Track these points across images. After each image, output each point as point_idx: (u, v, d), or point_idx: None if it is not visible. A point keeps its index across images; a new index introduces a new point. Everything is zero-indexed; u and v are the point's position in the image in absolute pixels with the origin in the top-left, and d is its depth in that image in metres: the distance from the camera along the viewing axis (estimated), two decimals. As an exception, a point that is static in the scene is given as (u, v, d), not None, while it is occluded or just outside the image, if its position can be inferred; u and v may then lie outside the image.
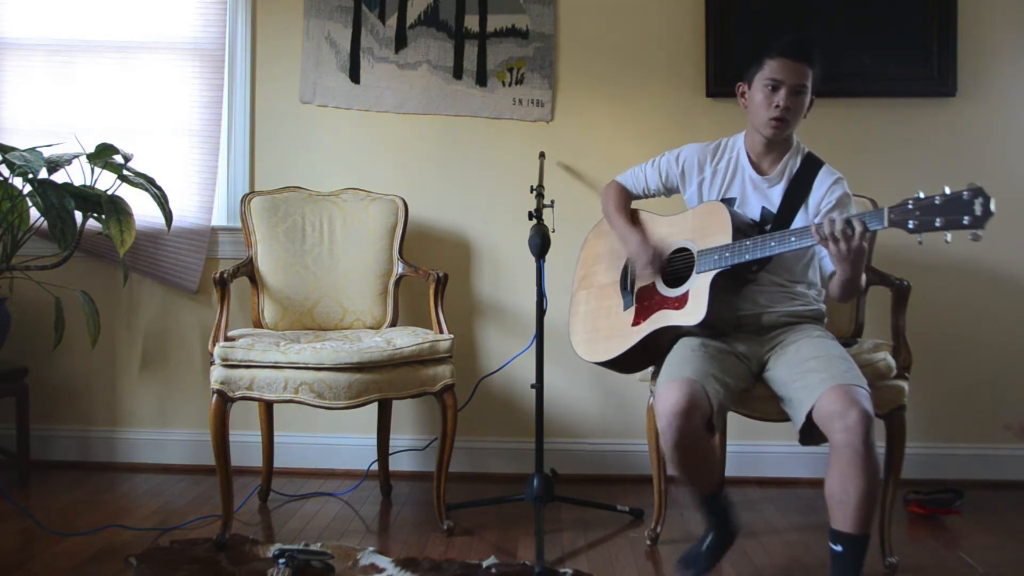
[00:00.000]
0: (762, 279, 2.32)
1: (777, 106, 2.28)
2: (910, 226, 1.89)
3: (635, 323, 2.39)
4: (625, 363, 2.46)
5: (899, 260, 2.96)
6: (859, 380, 2.04)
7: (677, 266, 2.37)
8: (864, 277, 2.18)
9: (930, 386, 3.18)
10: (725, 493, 2.17)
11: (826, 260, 2.21)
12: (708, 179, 2.45)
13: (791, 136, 2.39)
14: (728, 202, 2.37)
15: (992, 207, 1.80)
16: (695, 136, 2.74)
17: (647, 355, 2.41)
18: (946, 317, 3.22)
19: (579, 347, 2.56)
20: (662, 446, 2.09)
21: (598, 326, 2.52)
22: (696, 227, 2.34)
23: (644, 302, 2.40)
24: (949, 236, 1.86)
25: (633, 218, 2.56)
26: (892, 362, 2.39)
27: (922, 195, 1.89)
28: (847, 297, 2.19)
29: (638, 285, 2.45)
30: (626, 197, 2.61)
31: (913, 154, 3.21)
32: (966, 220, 1.82)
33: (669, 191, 2.58)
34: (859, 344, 2.53)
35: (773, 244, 2.15)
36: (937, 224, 1.86)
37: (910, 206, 1.90)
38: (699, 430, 2.06)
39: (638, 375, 2.58)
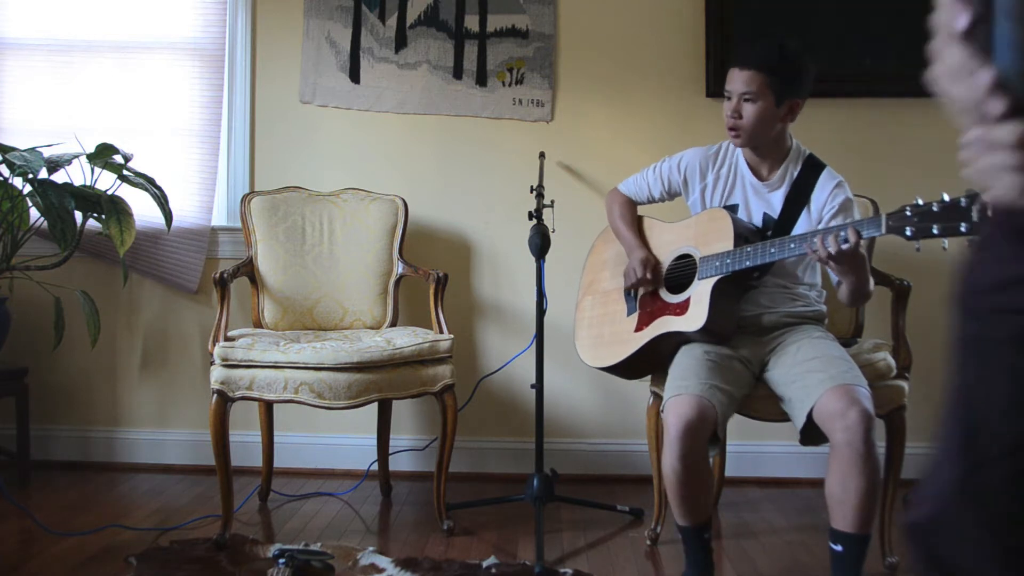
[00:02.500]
0: (764, 281, 2.32)
1: (729, 115, 2.28)
2: (908, 233, 1.89)
3: (638, 329, 2.39)
4: (628, 369, 2.47)
5: (899, 260, 2.94)
6: (859, 380, 2.05)
7: (680, 272, 2.37)
8: (872, 281, 2.18)
9: (930, 386, 3.17)
10: (710, 535, 2.18)
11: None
12: (710, 186, 2.44)
13: (787, 140, 2.37)
14: (730, 209, 2.36)
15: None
16: (695, 136, 2.75)
17: (650, 361, 2.42)
18: (946, 317, 3.20)
19: (583, 352, 2.57)
20: (664, 462, 2.10)
21: (602, 332, 2.52)
22: (699, 234, 2.34)
23: (647, 308, 2.41)
24: (946, 243, 1.85)
25: (638, 225, 2.56)
26: (892, 362, 2.39)
27: (920, 201, 1.88)
28: (857, 302, 2.23)
29: (641, 291, 2.45)
30: (630, 207, 2.60)
31: (913, 154, 3.21)
32: (963, 227, 1.82)
33: (672, 196, 2.57)
34: (859, 344, 2.53)
35: (774, 251, 2.15)
36: (935, 231, 1.85)
37: (908, 213, 1.89)
38: (704, 446, 2.07)
39: (639, 375, 2.58)
